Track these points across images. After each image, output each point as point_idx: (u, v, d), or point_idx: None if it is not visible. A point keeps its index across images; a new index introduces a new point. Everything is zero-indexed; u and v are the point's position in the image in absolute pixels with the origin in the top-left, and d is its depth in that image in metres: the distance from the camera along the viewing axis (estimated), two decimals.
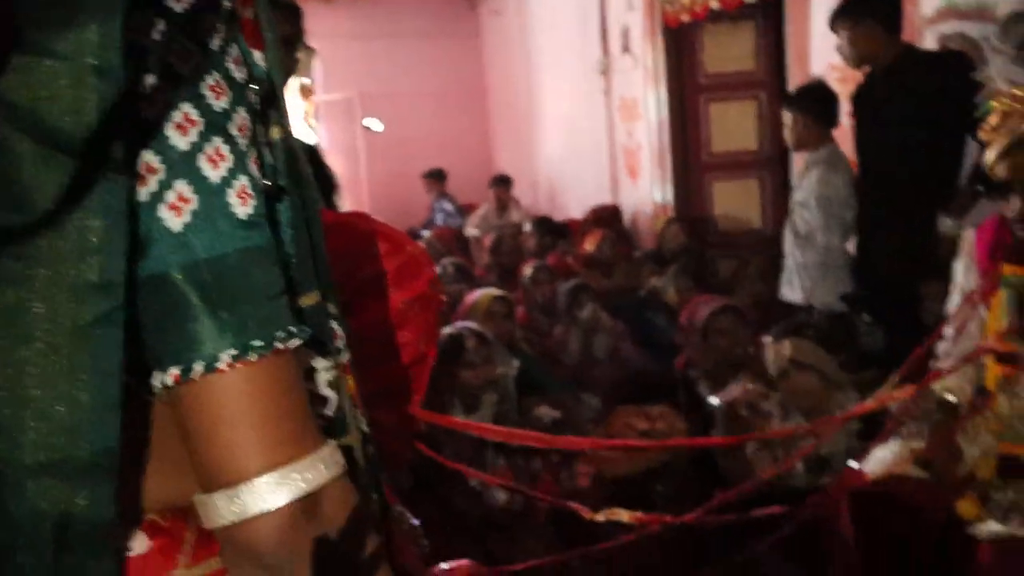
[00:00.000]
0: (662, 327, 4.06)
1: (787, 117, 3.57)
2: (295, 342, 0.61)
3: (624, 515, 1.55)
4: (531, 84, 7.81)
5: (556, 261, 5.27)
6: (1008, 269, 1.85)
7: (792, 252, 3.60)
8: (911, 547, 1.79)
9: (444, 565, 1.61)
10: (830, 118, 3.52)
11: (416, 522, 1.48)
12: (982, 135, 1.79)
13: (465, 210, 7.75)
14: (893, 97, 3.13)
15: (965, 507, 1.78)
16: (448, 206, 7.80)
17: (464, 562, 1.62)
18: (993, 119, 1.77)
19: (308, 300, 0.67)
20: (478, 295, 3.51)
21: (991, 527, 1.64)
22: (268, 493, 0.59)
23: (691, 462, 2.98)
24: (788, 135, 3.61)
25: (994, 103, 1.78)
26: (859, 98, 3.35)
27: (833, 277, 3.43)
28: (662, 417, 2.96)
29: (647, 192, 5.95)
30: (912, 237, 3.01)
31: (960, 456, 1.85)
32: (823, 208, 3.41)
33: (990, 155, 1.78)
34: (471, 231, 7.20)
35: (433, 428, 2.40)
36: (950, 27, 3.49)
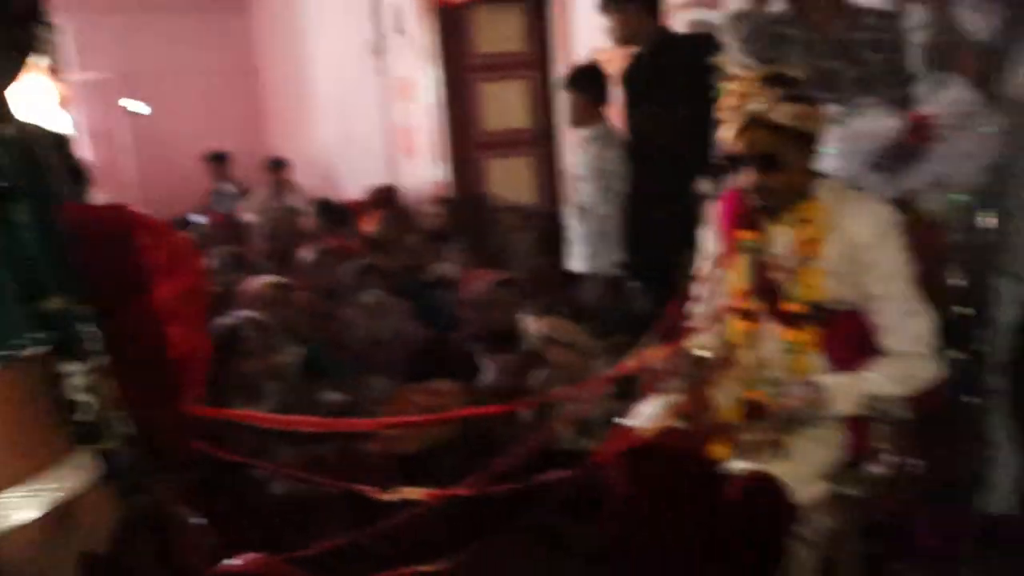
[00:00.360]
0: (446, 304, 4.14)
1: (565, 97, 3.73)
2: (37, 349, 0.59)
3: (412, 492, 1.59)
4: (303, 63, 7.61)
5: (337, 243, 5.20)
6: (745, 235, 2.05)
7: (574, 224, 3.79)
8: (677, 491, 1.95)
9: (233, 560, 1.58)
10: (603, 97, 3.71)
11: (200, 520, 1.44)
12: (719, 114, 1.97)
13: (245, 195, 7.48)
14: (656, 76, 3.35)
15: (718, 450, 1.98)
16: (230, 190, 7.47)
17: (253, 554, 1.60)
18: (728, 100, 1.95)
19: (53, 304, 0.64)
20: (255, 283, 3.41)
21: (739, 464, 1.83)
22: (18, 507, 0.56)
23: (476, 434, 3.08)
24: (567, 114, 3.78)
25: (728, 85, 1.96)
26: (628, 77, 3.56)
27: (609, 245, 3.63)
28: (445, 393, 3.04)
29: (425, 171, 6.00)
30: (676, 207, 3.23)
31: (713, 406, 2.05)
32: (598, 181, 3.60)
33: (726, 132, 1.96)
34: (248, 217, 6.94)
35: (216, 422, 2.33)
36: (694, 14, 3.77)
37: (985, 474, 2.40)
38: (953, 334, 2.09)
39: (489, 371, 3.22)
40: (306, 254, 4.52)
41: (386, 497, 1.55)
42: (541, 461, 2.09)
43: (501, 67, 5.52)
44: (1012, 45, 2.25)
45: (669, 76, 3.32)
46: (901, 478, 1.94)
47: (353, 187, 6.83)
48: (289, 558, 1.56)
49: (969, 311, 2.14)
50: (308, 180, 7.64)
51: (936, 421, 2.14)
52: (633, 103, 3.57)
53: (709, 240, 2.22)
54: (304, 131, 7.89)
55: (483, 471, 1.78)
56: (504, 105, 5.56)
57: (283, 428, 2.50)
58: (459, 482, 1.87)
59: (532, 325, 2.91)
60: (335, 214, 5.70)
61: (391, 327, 3.90)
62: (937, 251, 2.15)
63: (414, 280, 4.53)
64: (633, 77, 3.53)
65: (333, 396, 3.08)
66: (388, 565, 1.57)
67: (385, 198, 6.13)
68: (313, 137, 7.76)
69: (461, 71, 5.56)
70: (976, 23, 2.32)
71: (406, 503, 1.68)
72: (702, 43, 3.38)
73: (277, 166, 7.19)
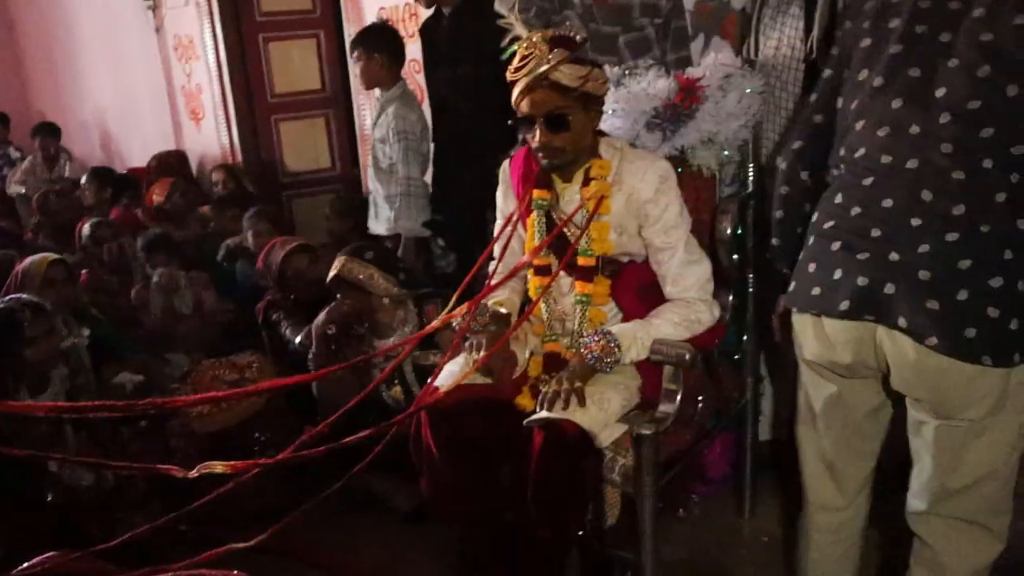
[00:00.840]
0: (245, 274, 4.01)
1: (359, 57, 3.63)
2: None
3: (218, 467, 1.54)
4: (69, 17, 6.98)
5: (121, 215, 4.91)
6: (537, 193, 2.13)
7: (375, 186, 3.75)
8: (484, 445, 2.03)
9: (26, 564, 1.50)
10: (401, 57, 3.67)
11: None
12: (508, 75, 2.02)
13: None
14: (459, 36, 3.33)
15: (522, 402, 2.07)
16: (14, 154, 6.79)
17: (48, 554, 1.52)
18: (516, 61, 2.00)
19: None
20: (30, 262, 3.16)
21: (542, 415, 1.92)
22: None
23: (288, 403, 3.04)
24: (360, 74, 3.70)
25: (515, 47, 2.01)
26: (430, 37, 3.52)
27: (415, 206, 3.63)
28: (251, 365, 2.97)
29: (212, 136, 5.72)
30: (480, 167, 3.27)
31: (515, 360, 2.13)
32: (401, 142, 3.57)
33: (515, 93, 2.01)
34: (15, 188, 6.38)
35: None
36: None
37: (757, 406, 2.65)
38: (726, 279, 2.28)
39: (297, 337, 3.18)
40: (86, 228, 4.23)
41: (190, 475, 1.49)
42: (363, 417, 2.09)
43: (288, 26, 5.32)
44: (764, 12, 2.46)
45: (470, 36, 3.32)
46: (689, 414, 2.12)
47: (137, 154, 6.40)
48: (91, 552, 1.49)
49: (738, 258, 2.33)
50: (84, 147, 7.08)
51: (716, 359, 2.34)
52: (432, 63, 3.54)
53: (502, 200, 2.28)
54: (76, 93, 7.28)
55: (298, 439, 1.76)
56: (294, 66, 5.38)
57: (75, 416, 2.36)
58: (275, 452, 1.84)
59: (334, 266, 2.90)
60: (116, 184, 5.34)
61: (188, 301, 3.75)
62: (710, 203, 2.34)
63: (209, 250, 4.36)
64: (436, 37, 3.51)
65: (128, 376, 2.94)
66: (202, 546, 1.53)
67: (172, 165, 5.81)
68: (87, 100, 7.17)
69: (246, 30, 5.32)
70: None
71: (216, 480, 1.63)
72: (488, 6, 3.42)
73: (47, 132, 6.61)
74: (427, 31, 3.54)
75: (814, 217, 1.81)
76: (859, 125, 1.73)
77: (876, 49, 1.73)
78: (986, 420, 1.66)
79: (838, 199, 1.75)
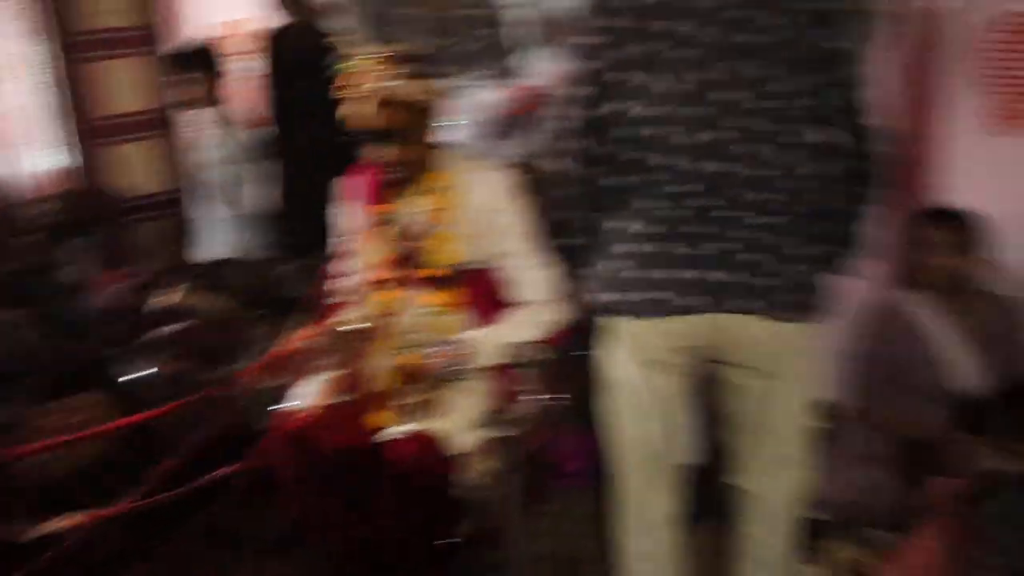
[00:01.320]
0: (74, 310, 3.78)
1: (179, 77, 3.52)
2: None
3: (57, 524, 1.45)
4: None
5: None
6: (380, 207, 2.13)
7: (210, 209, 3.63)
8: (342, 466, 2.00)
9: None
10: (220, 77, 3.58)
11: None
12: (347, 92, 2.00)
13: None
14: (311, 50, 3.27)
15: (383, 417, 2.04)
16: None
17: None
18: (352, 78, 1.98)
19: None
20: None
21: (404, 427, 1.92)
22: None
23: (130, 445, 2.89)
24: (182, 95, 3.58)
25: (355, 63, 2.00)
26: (276, 49, 3.43)
27: (252, 227, 3.54)
28: (86, 407, 2.81)
29: (35, 162, 5.36)
30: (331, 185, 3.21)
31: (369, 376, 2.11)
32: (233, 162, 3.48)
33: (352, 109, 1.99)
34: None
35: None
36: None
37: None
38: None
39: (141, 372, 3.03)
40: None
41: (26, 538, 1.38)
42: (223, 449, 2.03)
43: (115, 44, 5.04)
44: None
45: (324, 52, 3.26)
46: (545, 413, 2.16)
47: None
48: None
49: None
50: None
51: (569, 358, 2.39)
52: (285, 77, 3.45)
53: (346, 215, 2.25)
54: None
55: (146, 480, 1.68)
56: (126, 85, 5.09)
57: None
58: (124, 495, 1.74)
59: (164, 297, 2.80)
60: None
61: (8, 343, 3.50)
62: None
63: (36, 286, 4.08)
64: (284, 50, 3.42)
65: None
66: None
67: None
68: None
69: (68, 48, 4.99)
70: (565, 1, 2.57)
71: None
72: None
73: None
74: (275, 42, 3.46)
75: (622, 223, 1.79)
76: (664, 132, 1.71)
77: (657, 53, 1.68)
78: (802, 368, 1.82)
79: (656, 204, 1.74)
